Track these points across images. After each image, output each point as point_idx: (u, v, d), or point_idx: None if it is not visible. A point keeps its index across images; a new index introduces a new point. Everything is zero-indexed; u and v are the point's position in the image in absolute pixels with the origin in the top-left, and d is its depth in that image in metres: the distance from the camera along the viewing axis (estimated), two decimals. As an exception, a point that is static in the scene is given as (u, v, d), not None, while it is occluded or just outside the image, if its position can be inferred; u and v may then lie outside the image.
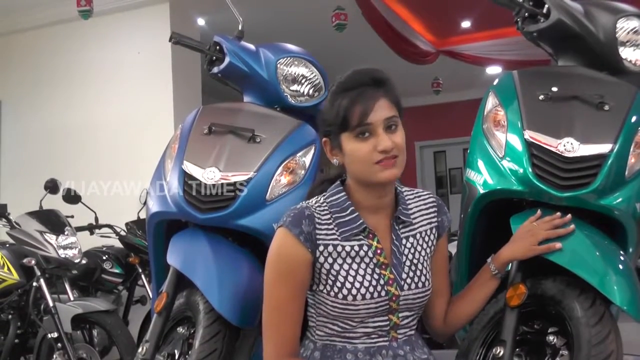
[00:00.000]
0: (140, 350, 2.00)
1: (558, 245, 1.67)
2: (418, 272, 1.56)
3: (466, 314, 1.70)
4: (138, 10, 5.32)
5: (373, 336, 1.52)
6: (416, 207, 1.63)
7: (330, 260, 1.50)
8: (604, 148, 1.80)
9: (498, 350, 1.69)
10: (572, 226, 1.71)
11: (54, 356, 3.34)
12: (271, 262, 1.52)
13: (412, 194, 1.65)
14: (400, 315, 1.54)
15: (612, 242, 1.78)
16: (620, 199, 1.80)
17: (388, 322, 1.52)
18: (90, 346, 3.46)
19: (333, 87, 1.55)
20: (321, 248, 1.50)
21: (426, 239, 1.61)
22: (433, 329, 1.72)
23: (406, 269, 1.55)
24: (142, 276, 4.24)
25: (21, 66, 5.75)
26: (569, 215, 1.72)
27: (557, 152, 1.80)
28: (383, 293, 1.50)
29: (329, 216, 1.52)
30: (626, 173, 1.82)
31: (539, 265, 1.74)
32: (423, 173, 10.71)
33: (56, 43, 5.58)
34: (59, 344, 3.29)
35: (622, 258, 1.72)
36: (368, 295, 1.48)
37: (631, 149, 1.83)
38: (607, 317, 1.62)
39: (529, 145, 1.85)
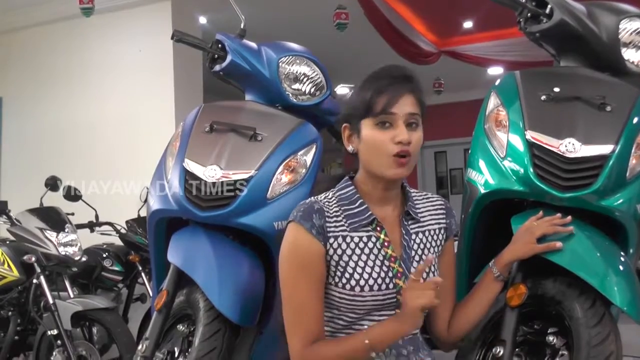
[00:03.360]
0: (140, 347, 2.00)
1: (558, 244, 1.67)
2: (427, 269, 1.56)
3: (470, 319, 1.68)
4: (140, 8, 5.32)
5: None
6: (424, 207, 1.65)
7: (339, 251, 1.51)
8: (605, 149, 1.80)
9: (498, 350, 1.69)
10: (571, 227, 1.70)
11: (54, 353, 3.34)
12: (286, 257, 1.52)
13: (421, 195, 1.67)
14: None
15: (613, 243, 1.79)
16: (621, 200, 1.80)
17: None
18: (90, 344, 3.45)
19: (366, 76, 1.57)
20: (331, 240, 1.51)
21: (435, 237, 1.62)
22: (437, 335, 1.71)
23: (415, 263, 1.56)
24: (142, 274, 4.23)
25: (23, 64, 5.75)
26: (569, 217, 1.71)
27: (558, 152, 1.80)
28: (391, 285, 1.51)
29: (337, 208, 1.54)
30: (627, 174, 1.82)
31: (539, 266, 1.74)
32: (424, 173, 10.71)
33: (58, 41, 5.58)
34: (59, 341, 3.29)
35: (622, 259, 1.72)
36: (376, 287, 1.49)
37: (632, 150, 1.83)
38: (607, 318, 1.62)
39: (531, 145, 1.85)
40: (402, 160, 1.49)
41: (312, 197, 1.58)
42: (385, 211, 1.58)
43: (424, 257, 1.57)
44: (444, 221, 1.65)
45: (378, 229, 1.55)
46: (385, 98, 1.49)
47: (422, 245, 1.59)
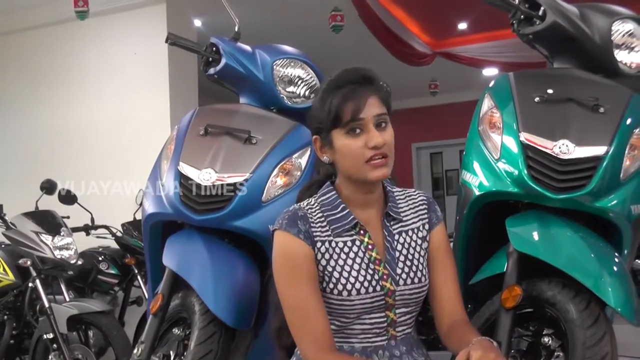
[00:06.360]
0: (135, 351, 2.00)
1: None
2: (414, 268, 1.56)
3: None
4: (135, 11, 5.31)
5: (370, 334, 1.52)
6: (406, 205, 1.64)
7: (327, 256, 1.51)
8: (599, 150, 1.81)
9: (493, 352, 1.69)
10: None
11: (50, 357, 3.33)
12: (278, 264, 1.52)
13: (403, 194, 1.66)
14: (398, 311, 1.54)
15: (607, 245, 1.79)
16: (615, 201, 1.81)
17: (385, 319, 1.53)
18: (86, 347, 3.45)
19: (323, 85, 1.57)
20: (318, 245, 1.52)
21: (419, 234, 1.61)
22: (440, 330, 1.62)
23: (400, 264, 1.55)
24: (138, 277, 4.23)
25: (18, 66, 5.74)
26: None
27: (552, 154, 1.81)
28: (378, 288, 1.51)
29: (320, 214, 1.55)
30: (621, 175, 1.82)
31: (534, 267, 1.74)
32: (419, 174, 10.71)
33: (53, 43, 5.57)
34: (55, 345, 3.29)
35: (616, 260, 1.73)
36: (363, 290, 1.49)
37: (626, 151, 1.84)
38: (601, 319, 1.62)
39: (525, 147, 1.85)
40: (381, 162, 1.49)
41: (295, 205, 1.58)
42: (369, 214, 1.58)
43: (409, 256, 1.57)
44: (426, 216, 1.64)
45: (362, 232, 1.55)
46: (351, 106, 1.48)
47: (406, 245, 1.58)
